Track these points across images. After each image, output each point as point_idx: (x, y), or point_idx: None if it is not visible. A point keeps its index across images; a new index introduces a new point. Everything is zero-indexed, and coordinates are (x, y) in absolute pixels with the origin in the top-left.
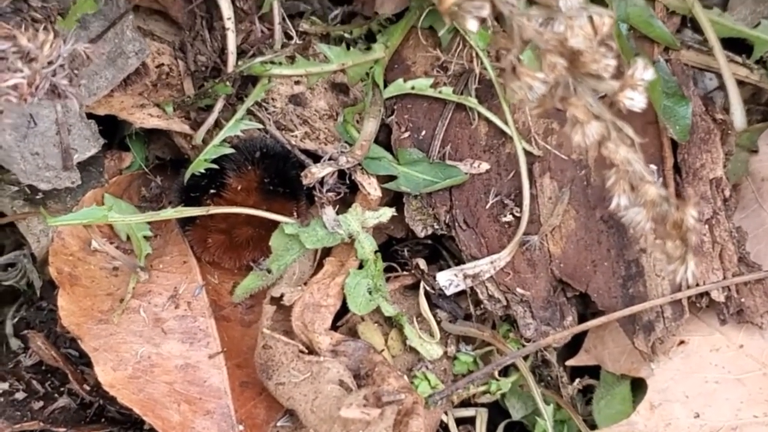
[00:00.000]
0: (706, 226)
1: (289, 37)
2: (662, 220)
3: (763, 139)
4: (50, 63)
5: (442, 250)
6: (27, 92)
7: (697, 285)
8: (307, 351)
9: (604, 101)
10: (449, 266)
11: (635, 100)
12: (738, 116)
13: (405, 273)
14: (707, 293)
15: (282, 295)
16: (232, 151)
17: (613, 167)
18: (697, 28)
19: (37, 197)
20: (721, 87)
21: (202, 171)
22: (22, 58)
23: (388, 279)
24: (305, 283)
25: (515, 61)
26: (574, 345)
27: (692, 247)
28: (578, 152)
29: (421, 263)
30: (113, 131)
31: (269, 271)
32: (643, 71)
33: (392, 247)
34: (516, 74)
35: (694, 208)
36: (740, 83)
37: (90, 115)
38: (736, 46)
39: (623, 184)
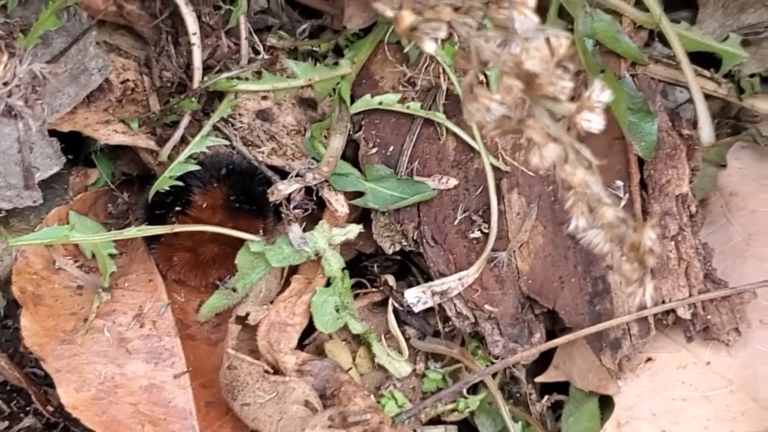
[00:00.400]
0: (672, 243)
1: (257, 52)
2: (620, 242)
3: (732, 154)
4: (5, 84)
5: (411, 266)
6: None
7: (663, 302)
8: (272, 371)
9: (562, 123)
10: (418, 282)
11: (593, 122)
12: (706, 131)
13: (374, 290)
14: (673, 310)
15: (247, 314)
16: (197, 167)
17: (571, 189)
18: (665, 42)
19: (0, 215)
20: (692, 100)
21: (168, 188)
22: None
23: (356, 295)
24: (272, 302)
25: (473, 83)
26: (543, 361)
27: (650, 269)
28: (546, 168)
29: (390, 280)
30: (78, 147)
31: (234, 290)
32: (600, 93)
33: (361, 263)
34: (473, 96)
35: (652, 229)
36: (709, 97)
37: (54, 132)
38: (705, 59)
39: (581, 206)
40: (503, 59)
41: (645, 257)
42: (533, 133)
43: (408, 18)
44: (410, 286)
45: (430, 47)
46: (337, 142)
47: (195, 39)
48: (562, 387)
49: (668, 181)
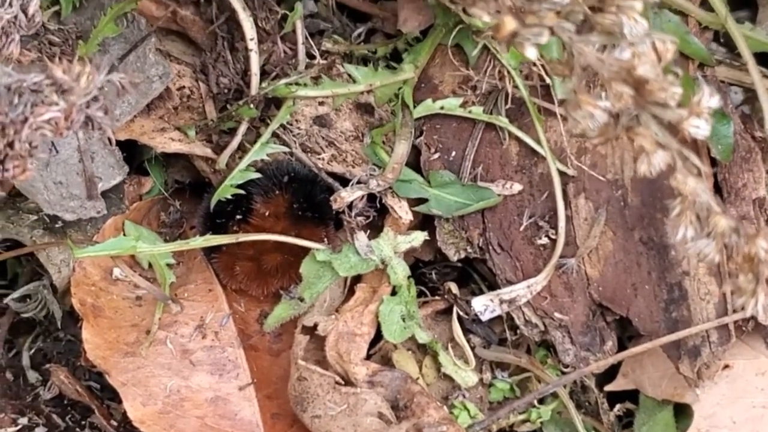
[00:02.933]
0: None
1: (312, 57)
2: (731, 253)
3: None
4: (85, 95)
5: (472, 273)
6: (63, 126)
7: (743, 308)
8: (343, 382)
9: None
10: (481, 289)
11: (700, 128)
12: None
13: (437, 298)
14: (753, 317)
15: (316, 325)
16: (258, 175)
17: (679, 197)
18: (724, 42)
19: (57, 225)
20: (747, 101)
21: (228, 197)
22: (57, 91)
23: (419, 304)
24: (336, 311)
25: (576, 89)
26: (611, 368)
27: (763, 280)
28: (614, 172)
29: (453, 287)
30: (131, 155)
31: (301, 300)
32: (709, 98)
33: (419, 270)
34: (577, 102)
35: (765, 239)
36: None
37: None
38: (762, 59)
39: (690, 215)
40: (609, 65)
41: (760, 268)
42: (643, 140)
43: (510, 24)
44: (473, 293)
45: (531, 53)
46: (402, 148)
47: (252, 44)
48: (631, 395)
49: (744, 184)
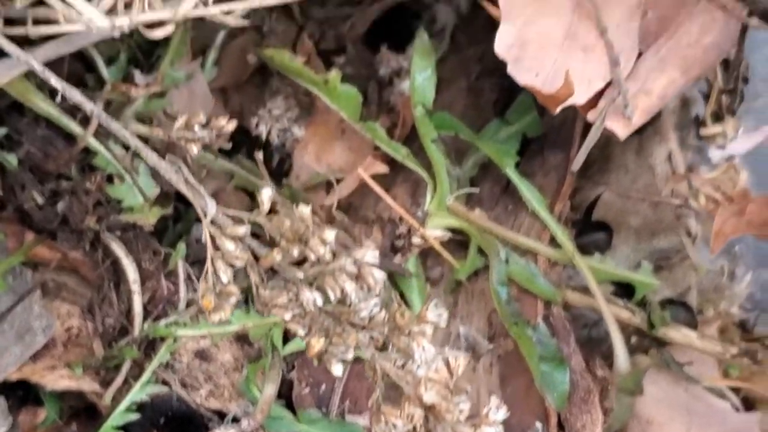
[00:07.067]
0: None
1: (196, 290)
2: None
3: (648, 378)
4: None
5: None
6: None
7: None
8: None
9: None
10: None
11: None
12: (621, 360)
13: None
14: None
15: None
16: (137, 416)
17: None
18: None
19: None
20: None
21: None
22: None
23: None
24: None
25: (379, 402)
26: None
27: None
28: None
29: None
30: (27, 386)
31: None
32: (496, 411)
33: None
34: (379, 415)
35: None
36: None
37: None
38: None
39: None
40: (406, 381)
41: None
42: None
43: (317, 345)
44: None
45: (337, 370)
46: (270, 390)
47: (135, 287)
48: None
49: (583, 425)
